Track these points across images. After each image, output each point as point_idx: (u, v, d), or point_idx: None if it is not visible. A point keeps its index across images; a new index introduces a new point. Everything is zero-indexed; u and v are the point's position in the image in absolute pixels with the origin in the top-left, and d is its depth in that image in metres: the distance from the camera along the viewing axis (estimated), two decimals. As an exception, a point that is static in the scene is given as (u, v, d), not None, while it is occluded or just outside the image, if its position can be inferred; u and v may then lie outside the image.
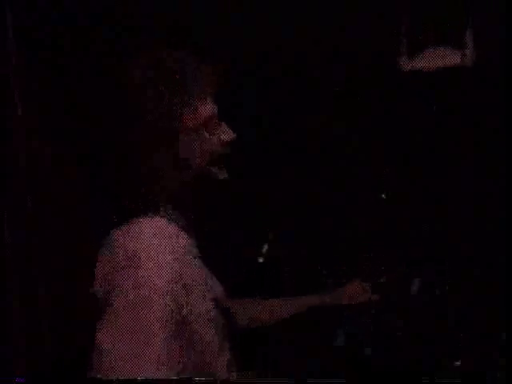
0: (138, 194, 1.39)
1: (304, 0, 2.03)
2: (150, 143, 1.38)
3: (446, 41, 2.02)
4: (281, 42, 2.11)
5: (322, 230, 2.17)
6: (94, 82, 1.91)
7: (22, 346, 1.73)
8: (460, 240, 2.03)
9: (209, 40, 1.99)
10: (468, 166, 2.08)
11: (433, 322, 1.87)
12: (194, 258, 1.43)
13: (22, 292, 1.80)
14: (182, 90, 1.40)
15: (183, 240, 1.40)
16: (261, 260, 2.17)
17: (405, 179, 2.13)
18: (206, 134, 1.44)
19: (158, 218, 1.38)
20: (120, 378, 1.25)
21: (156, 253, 1.32)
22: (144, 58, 1.43)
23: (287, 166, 2.22)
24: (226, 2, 2.03)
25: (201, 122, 1.42)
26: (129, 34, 1.99)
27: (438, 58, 2.02)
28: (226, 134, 1.46)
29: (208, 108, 1.43)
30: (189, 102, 1.40)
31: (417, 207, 2.10)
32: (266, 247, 2.18)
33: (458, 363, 1.80)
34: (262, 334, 1.87)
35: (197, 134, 1.42)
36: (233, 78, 1.54)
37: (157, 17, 2.04)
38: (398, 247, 2.04)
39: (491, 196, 2.00)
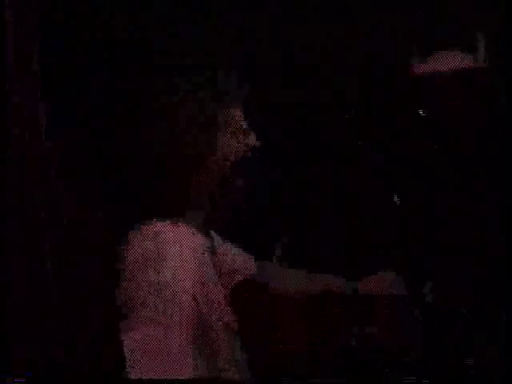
0: (157, 195, 1.43)
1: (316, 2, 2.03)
2: (177, 147, 1.42)
3: (457, 44, 2.02)
4: (294, 45, 2.11)
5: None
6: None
7: (21, 346, 1.73)
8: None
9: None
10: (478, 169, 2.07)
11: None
12: (209, 258, 1.48)
13: (23, 291, 1.80)
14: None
15: (201, 240, 1.44)
16: (275, 261, 2.16)
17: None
18: (234, 140, 1.47)
19: (175, 220, 1.41)
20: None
21: (176, 254, 1.35)
22: None
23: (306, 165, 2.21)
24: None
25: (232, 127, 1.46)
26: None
27: (450, 61, 2.02)
28: (252, 139, 1.49)
29: (237, 113, 1.48)
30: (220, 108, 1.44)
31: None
32: (280, 248, 2.18)
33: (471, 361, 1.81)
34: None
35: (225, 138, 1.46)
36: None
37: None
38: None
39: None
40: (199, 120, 1.42)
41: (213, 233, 1.63)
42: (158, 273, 1.32)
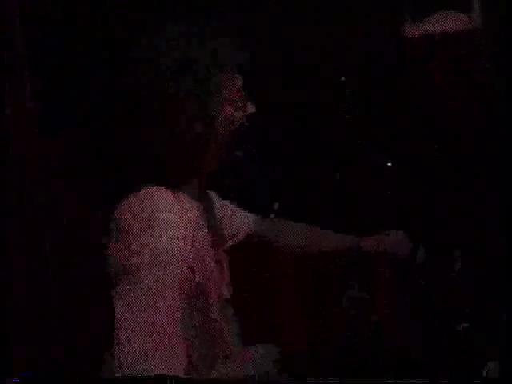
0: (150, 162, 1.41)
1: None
2: (172, 113, 1.39)
3: (452, 4, 2.00)
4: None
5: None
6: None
7: (21, 346, 1.74)
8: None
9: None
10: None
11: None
12: (204, 222, 1.46)
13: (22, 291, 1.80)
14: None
15: (195, 205, 1.43)
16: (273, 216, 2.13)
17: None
18: (231, 108, 1.45)
19: (168, 188, 1.38)
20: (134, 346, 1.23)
21: (170, 218, 1.33)
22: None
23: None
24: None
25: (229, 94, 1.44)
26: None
27: (444, 22, 2.00)
28: (250, 107, 1.48)
29: (236, 82, 1.46)
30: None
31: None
32: (277, 205, 2.18)
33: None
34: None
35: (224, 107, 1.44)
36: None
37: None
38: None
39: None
40: (196, 85, 1.39)
41: (212, 193, 1.63)
42: (152, 237, 1.29)
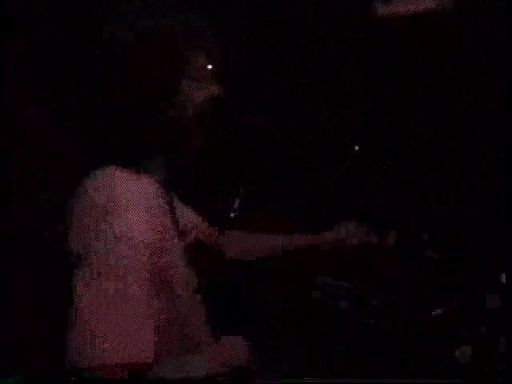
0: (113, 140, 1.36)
1: None
2: (138, 92, 1.35)
3: None
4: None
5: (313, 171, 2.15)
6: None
7: (20, 346, 1.74)
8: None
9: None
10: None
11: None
12: (168, 207, 1.42)
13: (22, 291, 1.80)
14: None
15: (156, 188, 1.38)
16: (232, 215, 2.13)
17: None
18: (195, 84, 1.40)
19: (130, 169, 1.35)
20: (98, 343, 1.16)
21: (128, 204, 1.28)
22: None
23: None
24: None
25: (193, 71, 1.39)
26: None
27: (415, 3, 1.97)
28: (216, 90, 1.42)
29: (200, 59, 1.40)
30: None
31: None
32: (237, 201, 2.15)
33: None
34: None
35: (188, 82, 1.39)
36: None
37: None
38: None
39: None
40: (162, 61, 1.35)
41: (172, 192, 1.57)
42: (112, 224, 1.25)
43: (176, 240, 1.41)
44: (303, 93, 2.18)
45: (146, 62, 1.35)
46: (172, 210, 1.46)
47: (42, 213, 1.90)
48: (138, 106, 1.36)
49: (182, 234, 1.49)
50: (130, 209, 1.27)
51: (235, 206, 2.15)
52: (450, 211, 2.01)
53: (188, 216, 1.61)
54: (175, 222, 1.46)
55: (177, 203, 1.56)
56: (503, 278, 1.73)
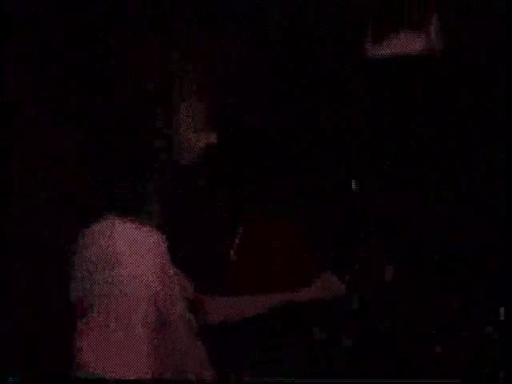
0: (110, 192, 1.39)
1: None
2: (134, 136, 1.37)
3: (411, 27, 1.99)
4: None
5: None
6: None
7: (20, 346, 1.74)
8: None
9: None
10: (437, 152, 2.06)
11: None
12: (168, 256, 1.42)
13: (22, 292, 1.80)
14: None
15: (158, 238, 1.39)
16: (232, 255, 2.14)
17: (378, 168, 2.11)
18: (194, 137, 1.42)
19: (130, 218, 1.37)
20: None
21: (132, 252, 1.31)
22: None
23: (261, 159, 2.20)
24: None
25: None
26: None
27: (404, 44, 1.99)
28: (213, 137, 1.44)
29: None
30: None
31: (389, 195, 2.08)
32: (237, 241, 2.16)
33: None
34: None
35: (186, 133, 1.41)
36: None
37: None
38: (370, 235, 2.01)
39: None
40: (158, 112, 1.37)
41: None
42: (114, 272, 1.28)
43: (177, 287, 1.45)
44: (303, 93, 2.19)
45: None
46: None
47: (42, 213, 1.91)
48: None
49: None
50: (132, 259, 1.30)
51: (235, 246, 2.15)
52: (450, 211, 2.02)
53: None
54: (176, 270, 1.49)
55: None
56: (502, 315, 1.73)
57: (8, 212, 1.87)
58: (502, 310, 1.73)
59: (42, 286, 1.83)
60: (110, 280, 1.27)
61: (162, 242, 1.41)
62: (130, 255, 1.30)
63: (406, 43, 1.97)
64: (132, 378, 1.25)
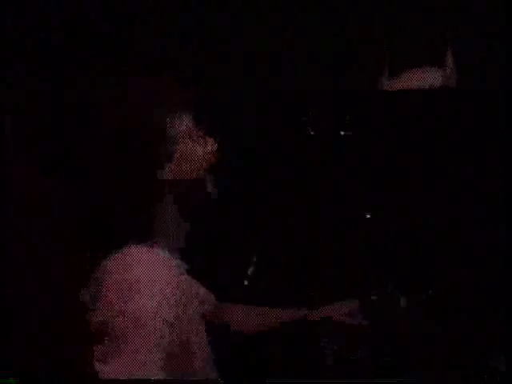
0: (125, 220, 1.43)
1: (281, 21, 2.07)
2: (138, 167, 1.41)
3: (427, 61, 2.06)
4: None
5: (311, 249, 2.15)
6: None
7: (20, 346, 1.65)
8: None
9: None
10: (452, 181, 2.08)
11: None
12: (186, 279, 1.49)
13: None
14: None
15: (175, 262, 1.45)
16: (246, 282, 2.14)
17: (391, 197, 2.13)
18: (190, 144, 1.45)
19: (147, 246, 1.41)
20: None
21: (150, 282, 1.35)
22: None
23: (274, 184, 2.21)
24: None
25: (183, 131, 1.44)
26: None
27: (419, 79, 2.06)
28: (210, 145, 1.48)
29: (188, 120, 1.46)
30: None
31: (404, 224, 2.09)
32: (251, 269, 2.15)
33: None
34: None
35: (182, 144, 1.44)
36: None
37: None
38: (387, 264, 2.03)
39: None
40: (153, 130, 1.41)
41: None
42: (134, 301, 1.32)
43: (196, 304, 1.50)
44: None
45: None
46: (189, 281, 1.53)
47: (42, 212, 1.85)
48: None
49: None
50: (150, 286, 1.34)
51: (249, 273, 2.15)
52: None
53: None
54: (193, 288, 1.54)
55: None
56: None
57: (8, 212, 1.80)
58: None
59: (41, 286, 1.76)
60: (128, 310, 1.30)
61: (178, 265, 1.46)
62: (148, 285, 1.33)
63: (422, 77, 2.03)
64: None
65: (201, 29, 2.11)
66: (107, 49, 2.02)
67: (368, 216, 2.10)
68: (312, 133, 2.15)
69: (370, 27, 2.06)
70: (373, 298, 1.87)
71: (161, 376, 1.29)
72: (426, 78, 2.04)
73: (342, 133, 2.11)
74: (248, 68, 2.18)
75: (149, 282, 1.34)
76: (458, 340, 1.81)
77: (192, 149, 1.45)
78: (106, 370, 1.29)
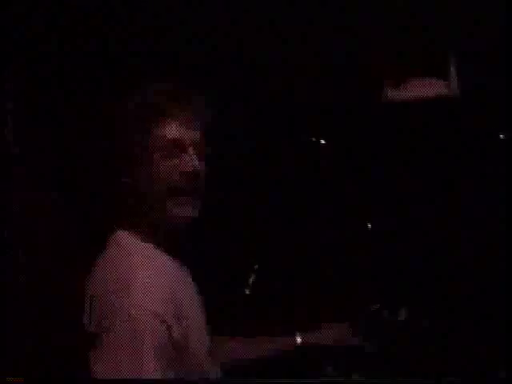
0: (126, 218, 1.43)
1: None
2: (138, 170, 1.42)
3: (430, 72, 2.06)
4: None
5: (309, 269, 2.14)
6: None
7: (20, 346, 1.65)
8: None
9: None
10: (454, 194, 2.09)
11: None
12: (184, 279, 1.48)
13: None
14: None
15: (170, 260, 1.44)
16: (247, 292, 2.12)
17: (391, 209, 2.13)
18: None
19: (145, 243, 1.42)
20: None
21: (146, 276, 1.34)
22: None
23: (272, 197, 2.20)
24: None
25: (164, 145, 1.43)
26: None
27: (423, 89, 2.06)
28: (189, 164, 1.44)
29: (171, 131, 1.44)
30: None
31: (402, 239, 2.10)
32: (252, 278, 2.14)
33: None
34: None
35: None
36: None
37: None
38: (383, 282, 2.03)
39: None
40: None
41: None
42: (128, 297, 1.30)
43: (195, 301, 1.49)
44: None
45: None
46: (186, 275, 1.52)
47: (42, 213, 1.87)
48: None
49: None
50: (144, 282, 1.33)
51: (249, 283, 2.14)
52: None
53: None
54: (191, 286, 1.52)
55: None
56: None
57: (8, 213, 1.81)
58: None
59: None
60: (122, 306, 1.29)
61: (173, 265, 1.44)
62: (142, 280, 1.32)
63: (425, 88, 2.04)
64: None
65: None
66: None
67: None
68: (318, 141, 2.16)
69: (372, 38, 2.07)
70: (361, 319, 1.85)
71: (161, 376, 1.28)
72: (430, 88, 2.05)
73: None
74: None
75: (143, 279, 1.33)
76: (458, 348, 1.81)
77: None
78: (105, 370, 1.28)
